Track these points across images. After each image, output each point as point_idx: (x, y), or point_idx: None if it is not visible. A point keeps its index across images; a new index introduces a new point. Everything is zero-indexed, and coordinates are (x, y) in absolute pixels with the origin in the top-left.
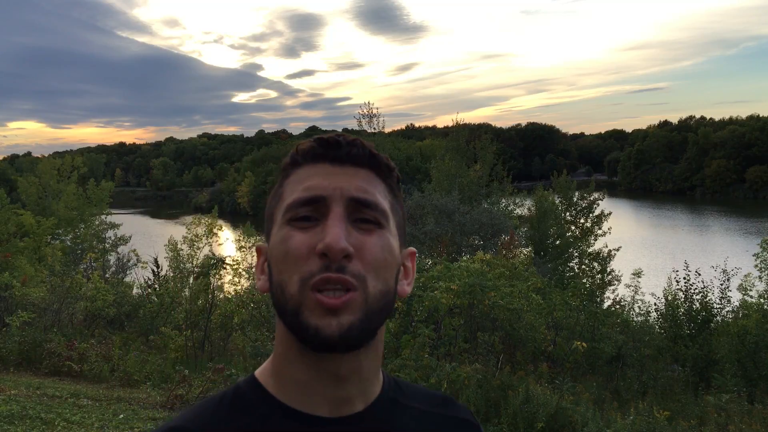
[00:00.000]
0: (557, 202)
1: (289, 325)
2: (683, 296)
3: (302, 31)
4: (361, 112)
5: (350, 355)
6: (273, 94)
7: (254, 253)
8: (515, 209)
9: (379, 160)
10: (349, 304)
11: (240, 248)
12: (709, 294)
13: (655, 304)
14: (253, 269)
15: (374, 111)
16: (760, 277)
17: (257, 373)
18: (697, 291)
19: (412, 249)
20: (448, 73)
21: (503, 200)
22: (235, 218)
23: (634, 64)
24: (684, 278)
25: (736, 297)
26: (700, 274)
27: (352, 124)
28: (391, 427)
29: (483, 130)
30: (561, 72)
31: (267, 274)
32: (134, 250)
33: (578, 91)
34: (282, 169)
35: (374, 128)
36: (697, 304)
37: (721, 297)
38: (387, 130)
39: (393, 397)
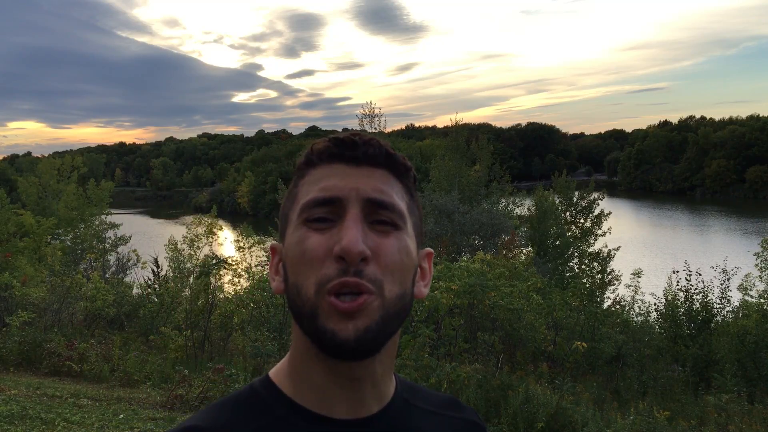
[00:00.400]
0: (557, 202)
1: (306, 329)
2: (683, 296)
3: (302, 31)
4: (362, 112)
5: (365, 359)
6: (273, 94)
7: (253, 254)
8: (515, 209)
9: (396, 159)
10: (365, 307)
11: (239, 248)
12: (709, 294)
13: (655, 304)
14: (254, 269)
15: (375, 111)
16: (760, 277)
17: (271, 373)
18: (697, 291)
19: (429, 249)
20: (448, 73)
21: (503, 200)
22: (235, 218)
23: (634, 64)
24: (685, 278)
25: (736, 297)
26: (700, 275)
27: (352, 124)
28: (405, 428)
29: (483, 130)
30: (561, 72)
31: (282, 275)
32: (134, 250)
33: (578, 91)
34: (296, 169)
35: (375, 128)
36: (698, 304)
37: (721, 297)
38: (387, 130)
39: (405, 398)
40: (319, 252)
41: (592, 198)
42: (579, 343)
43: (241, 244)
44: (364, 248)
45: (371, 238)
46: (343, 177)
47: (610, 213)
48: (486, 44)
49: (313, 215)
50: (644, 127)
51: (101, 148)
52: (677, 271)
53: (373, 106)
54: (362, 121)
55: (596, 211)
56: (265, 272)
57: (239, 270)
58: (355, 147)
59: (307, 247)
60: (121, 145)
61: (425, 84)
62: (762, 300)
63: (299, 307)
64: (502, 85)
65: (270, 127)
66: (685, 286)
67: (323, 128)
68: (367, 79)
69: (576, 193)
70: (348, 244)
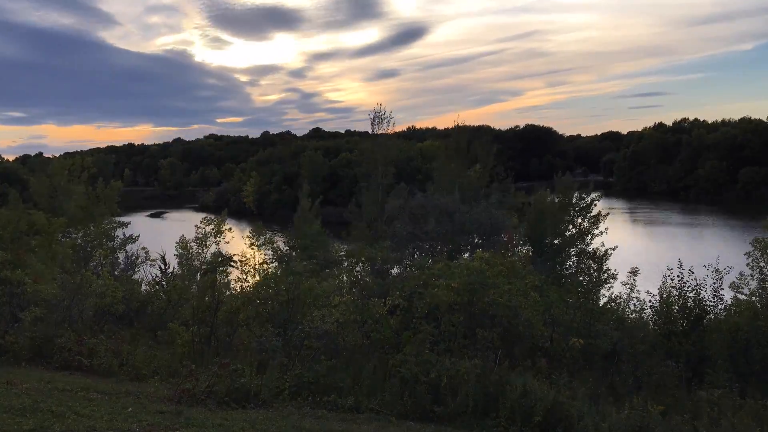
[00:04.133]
0: (555, 202)
1: None
2: (677, 293)
3: (299, 31)
4: (371, 113)
5: None
6: (270, 95)
7: (262, 251)
8: (515, 209)
9: None
10: None
11: (251, 245)
12: (701, 291)
13: (650, 301)
14: (263, 266)
15: (383, 114)
16: (751, 275)
17: None
18: (690, 288)
19: None
20: (448, 74)
21: (503, 202)
22: (240, 217)
23: (634, 64)
24: (677, 276)
25: (728, 295)
26: (693, 272)
27: (354, 125)
28: None
29: (482, 131)
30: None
31: None
32: (144, 248)
33: (578, 92)
34: None
35: (384, 129)
36: (691, 301)
37: (714, 295)
38: (390, 130)
39: None
40: None
41: (590, 199)
42: (575, 339)
43: (252, 242)
44: None
45: None
46: None
47: (608, 213)
48: (484, 44)
49: None
50: (644, 129)
51: (111, 149)
52: (671, 269)
53: (382, 108)
54: (373, 121)
55: (594, 211)
56: (271, 269)
57: (248, 267)
58: None
59: None
60: (130, 146)
61: (426, 84)
62: (753, 297)
63: None
64: (502, 85)
65: (270, 128)
66: (678, 284)
67: (326, 129)
68: (364, 79)
69: (576, 194)
70: None
